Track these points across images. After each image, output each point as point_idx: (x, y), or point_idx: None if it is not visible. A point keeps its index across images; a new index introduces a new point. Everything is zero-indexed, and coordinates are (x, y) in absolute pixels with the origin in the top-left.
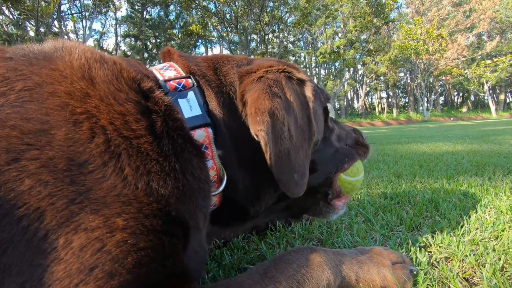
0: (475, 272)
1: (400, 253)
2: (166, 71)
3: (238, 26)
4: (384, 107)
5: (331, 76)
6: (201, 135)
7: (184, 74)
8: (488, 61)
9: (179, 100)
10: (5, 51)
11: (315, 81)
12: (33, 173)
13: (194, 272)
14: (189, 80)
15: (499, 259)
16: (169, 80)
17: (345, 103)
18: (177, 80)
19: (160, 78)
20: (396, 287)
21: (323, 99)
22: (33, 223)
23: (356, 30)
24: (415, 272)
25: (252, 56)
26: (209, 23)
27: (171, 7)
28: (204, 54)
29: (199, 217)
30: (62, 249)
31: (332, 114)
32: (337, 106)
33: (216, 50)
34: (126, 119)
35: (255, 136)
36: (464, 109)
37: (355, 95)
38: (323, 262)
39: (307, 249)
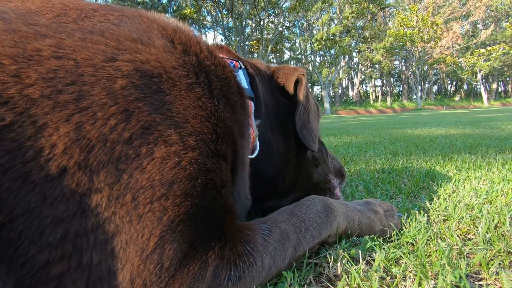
0: (470, 230)
1: (389, 203)
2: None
3: (233, 10)
4: (379, 95)
5: (326, 63)
6: None
7: (234, 58)
8: (482, 50)
9: None
10: None
11: (310, 68)
12: (126, 75)
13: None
14: (238, 63)
15: (493, 220)
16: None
17: (339, 91)
18: (229, 60)
19: None
20: (389, 228)
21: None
22: (120, 123)
23: (352, 17)
24: (401, 217)
25: (247, 42)
26: (203, 7)
27: None
28: None
29: (245, 158)
30: (144, 158)
31: (326, 102)
32: (331, 94)
33: (210, 35)
34: (211, 50)
35: (293, 83)
36: (457, 98)
37: (349, 83)
38: (335, 210)
39: (322, 198)
